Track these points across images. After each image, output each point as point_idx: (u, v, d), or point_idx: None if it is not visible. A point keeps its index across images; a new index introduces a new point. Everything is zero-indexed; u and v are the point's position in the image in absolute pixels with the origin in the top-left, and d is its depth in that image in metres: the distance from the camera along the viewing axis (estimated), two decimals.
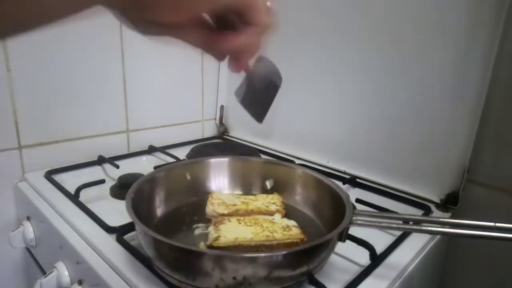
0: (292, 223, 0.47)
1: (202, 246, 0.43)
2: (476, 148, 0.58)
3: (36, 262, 0.63)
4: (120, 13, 0.24)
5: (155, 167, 0.61)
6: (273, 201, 0.52)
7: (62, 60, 0.68)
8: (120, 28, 0.74)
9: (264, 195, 0.54)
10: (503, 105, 0.58)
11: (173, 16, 0.23)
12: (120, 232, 0.47)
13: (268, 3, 0.28)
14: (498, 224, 0.35)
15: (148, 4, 0.22)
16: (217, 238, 0.41)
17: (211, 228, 0.45)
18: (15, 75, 0.63)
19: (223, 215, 0.48)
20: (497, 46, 0.53)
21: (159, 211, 0.49)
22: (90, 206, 0.54)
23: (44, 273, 0.53)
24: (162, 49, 0.82)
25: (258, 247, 0.41)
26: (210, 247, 0.41)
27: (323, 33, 0.74)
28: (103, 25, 0.72)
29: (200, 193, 0.54)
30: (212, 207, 0.49)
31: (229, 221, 0.45)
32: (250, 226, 0.45)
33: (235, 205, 0.50)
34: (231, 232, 0.43)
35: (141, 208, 0.43)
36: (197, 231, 0.47)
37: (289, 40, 0.79)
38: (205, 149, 0.78)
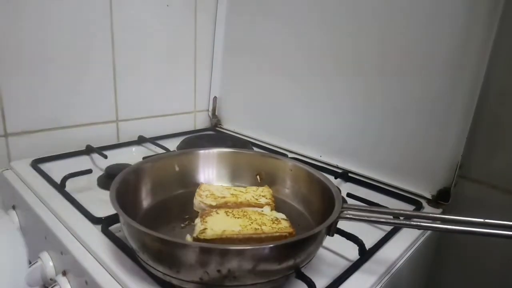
0: (281, 216, 0.47)
1: (188, 238, 0.42)
2: (469, 144, 0.58)
3: None
4: None
5: (144, 158, 0.60)
6: (263, 194, 0.51)
7: (51, 47, 0.66)
8: (111, 14, 0.72)
9: (254, 188, 0.53)
10: (497, 102, 0.58)
11: None
12: (105, 223, 0.46)
13: None
14: (487, 220, 0.35)
15: None
16: (203, 231, 0.41)
17: (197, 220, 0.44)
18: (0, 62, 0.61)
19: (211, 206, 0.47)
20: (491, 44, 0.53)
21: (146, 202, 0.49)
22: (77, 196, 0.53)
23: (29, 263, 0.52)
24: (153, 37, 0.81)
25: (246, 240, 0.41)
26: (197, 239, 0.40)
27: (315, 28, 0.73)
28: (92, 10, 0.70)
29: (189, 185, 0.53)
30: (200, 199, 0.48)
31: (217, 213, 0.45)
32: (238, 218, 0.44)
33: (224, 197, 0.49)
34: (219, 224, 0.42)
35: (126, 199, 0.42)
36: (184, 224, 0.47)
37: (281, 34, 0.78)
38: (196, 140, 0.77)
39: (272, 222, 0.44)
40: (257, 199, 0.50)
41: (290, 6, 0.76)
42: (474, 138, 0.59)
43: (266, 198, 0.50)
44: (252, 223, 0.43)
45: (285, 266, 0.35)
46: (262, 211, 0.47)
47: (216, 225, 0.42)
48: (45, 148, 0.68)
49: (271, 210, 0.48)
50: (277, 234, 0.42)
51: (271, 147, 0.82)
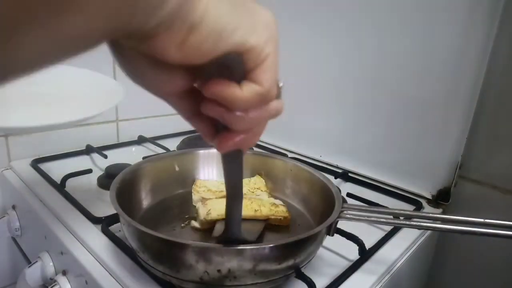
0: (278, 202, 0.48)
1: (194, 224, 0.44)
2: (469, 144, 0.58)
3: (21, 252, 0.62)
4: (118, 43, 0.21)
5: (144, 158, 0.60)
6: (257, 186, 0.52)
7: None
8: None
9: (246, 179, 0.54)
10: (497, 102, 0.57)
11: (178, 54, 0.19)
12: (105, 223, 0.46)
13: (279, 82, 0.26)
14: (487, 220, 0.35)
15: (154, 34, 0.18)
16: (209, 212, 0.42)
17: (199, 205, 0.45)
18: None
19: None
20: (492, 44, 0.53)
21: (146, 202, 0.49)
22: (76, 196, 0.53)
23: (29, 262, 0.52)
24: None
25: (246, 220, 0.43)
26: (204, 222, 0.42)
27: (315, 28, 0.73)
28: None
29: (189, 185, 0.53)
30: (199, 195, 0.49)
31: (216, 198, 0.47)
32: None
33: (222, 191, 0.50)
34: (220, 206, 0.43)
35: (126, 199, 0.42)
36: (184, 223, 0.46)
37: (282, 33, 0.78)
38: (196, 140, 0.77)
39: (270, 205, 0.46)
40: (253, 192, 0.51)
41: (291, 6, 0.76)
42: (474, 138, 0.59)
43: (262, 190, 0.51)
44: (252, 203, 0.45)
45: (285, 266, 0.35)
46: (259, 195, 0.49)
47: (218, 206, 0.43)
48: (45, 148, 0.68)
49: (268, 197, 0.50)
50: (274, 217, 0.44)
51: (271, 147, 0.82)
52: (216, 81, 0.22)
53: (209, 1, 0.19)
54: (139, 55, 0.21)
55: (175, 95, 0.25)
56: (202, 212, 0.43)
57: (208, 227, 0.43)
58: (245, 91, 0.23)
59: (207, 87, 0.23)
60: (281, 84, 0.27)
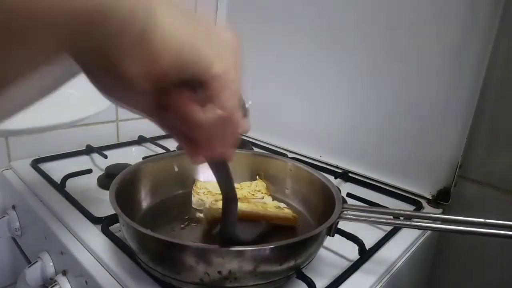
0: (282, 204, 0.48)
1: (199, 215, 0.46)
2: (469, 144, 0.57)
3: (21, 252, 0.62)
4: (80, 61, 0.20)
5: (144, 158, 0.60)
6: (257, 188, 0.52)
7: None
8: None
9: (248, 183, 0.54)
10: (497, 103, 0.57)
11: (134, 68, 0.19)
12: (105, 223, 0.46)
13: (245, 103, 0.26)
14: (487, 220, 0.35)
15: (112, 52, 0.18)
16: (215, 203, 0.43)
17: (209, 197, 0.46)
18: None
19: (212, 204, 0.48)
20: (492, 45, 0.53)
21: (145, 203, 0.48)
22: (76, 196, 0.53)
23: (29, 262, 0.52)
24: None
25: (254, 216, 0.43)
26: (209, 210, 0.43)
27: (315, 28, 0.72)
28: None
29: (188, 186, 0.53)
30: (198, 197, 0.49)
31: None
32: (244, 203, 0.46)
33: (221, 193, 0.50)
34: None
35: (126, 200, 0.42)
36: (184, 224, 0.46)
37: (281, 34, 0.78)
38: None
39: (276, 208, 0.46)
40: (253, 194, 0.51)
41: (290, 12, 0.76)
42: (474, 138, 0.58)
43: (262, 193, 0.51)
44: (257, 207, 0.45)
45: (286, 267, 0.35)
46: (264, 201, 0.49)
47: None
48: (46, 148, 0.68)
49: (272, 200, 0.50)
50: (283, 215, 0.44)
51: (271, 147, 0.82)
52: (179, 100, 0.22)
53: (157, 10, 0.18)
54: (103, 73, 0.20)
55: (149, 111, 0.25)
56: (209, 200, 0.45)
57: (211, 219, 0.43)
58: (208, 114, 0.23)
59: (172, 105, 0.23)
60: (247, 105, 0.27)
